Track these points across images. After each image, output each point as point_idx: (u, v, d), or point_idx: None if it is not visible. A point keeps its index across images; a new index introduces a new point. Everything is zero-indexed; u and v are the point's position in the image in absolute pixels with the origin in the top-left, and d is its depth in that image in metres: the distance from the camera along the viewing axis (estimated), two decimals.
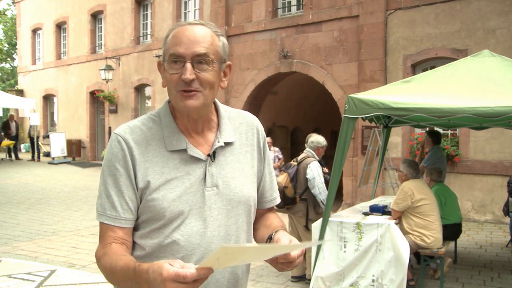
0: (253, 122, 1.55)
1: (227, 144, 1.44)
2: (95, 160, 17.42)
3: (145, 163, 1.35)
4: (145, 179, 1.33)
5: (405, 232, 4.74)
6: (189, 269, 1.03)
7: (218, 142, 1.42)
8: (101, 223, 1.36)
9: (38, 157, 17.46)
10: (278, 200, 1.64)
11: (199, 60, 1.32)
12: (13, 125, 17.23)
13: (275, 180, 1.64)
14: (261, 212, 1.59)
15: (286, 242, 1.31)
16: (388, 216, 4.87)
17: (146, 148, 1.36)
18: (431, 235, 4.70)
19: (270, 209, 1.63)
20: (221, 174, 1.40)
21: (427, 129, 7.38)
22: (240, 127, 1.51)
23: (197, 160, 1.38)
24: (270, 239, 1.43)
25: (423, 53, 9.08)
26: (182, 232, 1.34)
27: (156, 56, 14.43)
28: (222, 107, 1.51)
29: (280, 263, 1.26)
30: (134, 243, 1.39)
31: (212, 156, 1.40)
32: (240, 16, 12.04)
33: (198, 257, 1.35)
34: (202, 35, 1.34)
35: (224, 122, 1.47)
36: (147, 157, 1.35)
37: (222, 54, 1.38)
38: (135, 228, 1.39)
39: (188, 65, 1.30)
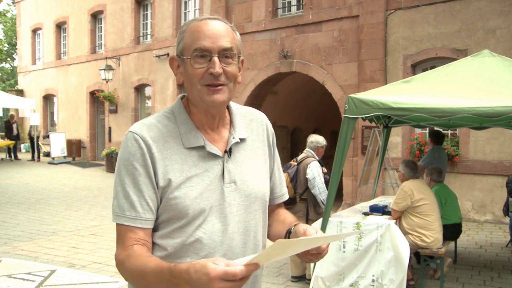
0: (263, 119, 1.57)
1: (241, 140, 1.45)
2: (95, 160, 17.42)
3: (164, 160, 1.32)
4: (166, 177, 1.31)
5: (405, 232, 4.74)
6: (237, 266, 1.02)
7: (233, 138, 1.42)
8: (120, 225, 1.32)
9: (38, 157, 17.46)
10: (286, 196, 1.64)
11: (225, 54, 1.33)
12: (14, 126, 17.24)
13: (283, 176, 1.64)
14: (272, 208, 1.59)
15: (314, 233, 1.31)
16: (388, 216, 4.87)
17: (163, 145, 1.34)
18: (431, 235, 4.69)
19: (280, 205, 1.64)
20: (238, 170, 1.40)
21: (427, 129, 7.38)
22: (251, 124, 1.52)
23: (214, 156, 1.37)
24: (289, 233, 1.43)
25: (423, 53, 9.07)
26: (205, 230, 1.33)
27: (157, 56, 14.44)
28: (233, 104, 1.52)
29: (311, 254, 1.27)
30: (153, 244, 1.36)
31: (229, 152, 1.40)
32: (240, 16, 12.04)
33: (221, 254, 1.34)
34: (225, 29, 1.35)
35: (236, 118, 1.47)
36: (166, 155, 1.33)
37: (240, 48, 1.40)
38: (154, 229, 1.35)
39: (216, 59, 1.31)
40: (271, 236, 1.56)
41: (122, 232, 1.32)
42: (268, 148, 1.55)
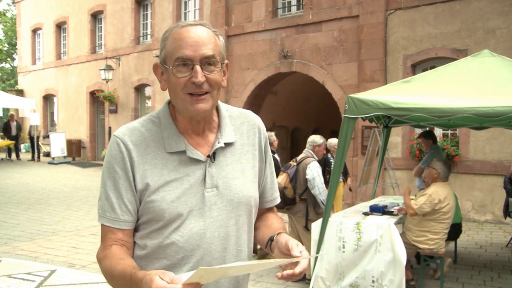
0: (255, 122, 1.54)
1: (228, 144, 1.43)
2: (95, 160, 17.42)
3: (144, 165, 1.35)
4: (144, 181, 1.34)
5: (409, 229, 4.73)
6: (177, 285, 1.06)
7: (218, 143, 1.41)
8: (102, 225, 1.38)
9: (38, 157, 17.46)
10: (278, 200, 1.63)
11: (207, 61, 1.32)
12: (13, 125, 17.22)
13: (275, 180, 1.64)
14: (261, 212, 1.59)
15: (295, 246, 1.29)
16: (388, 216, 4.84)
17: (145, 150, 1.36)
18: (438, 241, 4.66)
19: (270, 209, 1.63)
20: (221, 174, 1.40)
21: (427, 129, 7.34)
22: (242, 127, 1.50)
23: (196, 161, 1.38)
24: (271, 240, 1.43)
25: (423, 53, 9.08)
26: (182, 233, 1.34)
27: (156, 56, 14.43)
28: (224, 107, 1.50)
29: (286, 275, 1.24)
30: (135, 243, 1.40)
31: (212, 157, 1.40)
32: (240, 16, 12.04)
33: (198, 258, 1.35)
34: (207, 36, 1.33)
35: (225, 122, 1.46)
36: (146, 159, 1.35)
37: (223, 54, 1.39)
38: (136, 229, 1.40)
39: (198, 68, 1.30)
40: (257, 240, 1.56)
41: (104, 231, 1.38)
42: (259, 152, 1.52)
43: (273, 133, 6.07)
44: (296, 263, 1.25)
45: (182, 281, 1.07)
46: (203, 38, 1.32)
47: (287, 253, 1.29)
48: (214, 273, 1.09)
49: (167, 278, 1.08)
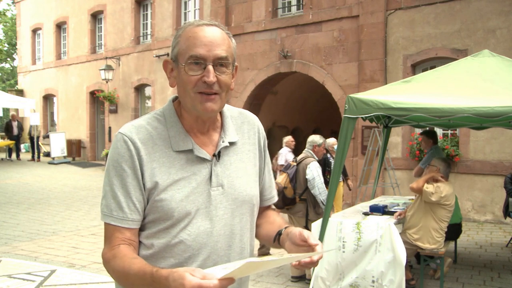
0: (254, 122, 1.57)
1: (231, 143, 1.45)
2: (95, 160, 17.42)
3: (152, 163, 1.34)
4: (153, 179, 1.33)
5: (409, 228, 4.73)
6: (212, 280, 1.02)
7: (222, 142, 1.43)
8: (107, 224, 1.35)
9: (38, 157, 17.46)
10: (276, 198, 1.66)
11: (220, 63, 1.33)
12: (15, 124, 17.22)
13: (273, 179, 1.66)
14: (261, 210, 1.61)
15: (297, 234, 1.31)
16: (388, 216, 4.85)
17: (152, 148, 1.35)
18: (439, 237, 4.67)
19: (269, 207, 1.65)
20: (226, 173, 1.41)
21: (427, 129, 7.33)
22: (242, 126, 1.52)
23: (202, 160, 1.39)
24: (279, 234, 1.44)
25: (423, 53, 9.08)
26: (190, 232, 1.35)
27: (157, 56, 14.44)
28: (225, 107, 1.51)
29: (303, 263, 1.25)
30: (140, 242, 1.39)
31: (217, 156, 1.41)
32: (240, 16, 12.04)
33: (205, 257, 1.36)
34: (221, 37, 1.34)
35: (227, 121, 1.48)
36: (154, 157, 1.35)
37: (234, 56, 1.40)
38: (141, 228, 1.38)
39: (211, 68, 1.31)
40: (260, 236, 1.58)
41: (109, 231, 1.35)
42: (259, 151, 1.55)
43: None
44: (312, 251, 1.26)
45: (215, 277, 1.04)
46: (217, 38, 1.33)
47: (301, 244, 1.30)
48: (256, 267, 1.06)
49: (198, 275, 1.04)
